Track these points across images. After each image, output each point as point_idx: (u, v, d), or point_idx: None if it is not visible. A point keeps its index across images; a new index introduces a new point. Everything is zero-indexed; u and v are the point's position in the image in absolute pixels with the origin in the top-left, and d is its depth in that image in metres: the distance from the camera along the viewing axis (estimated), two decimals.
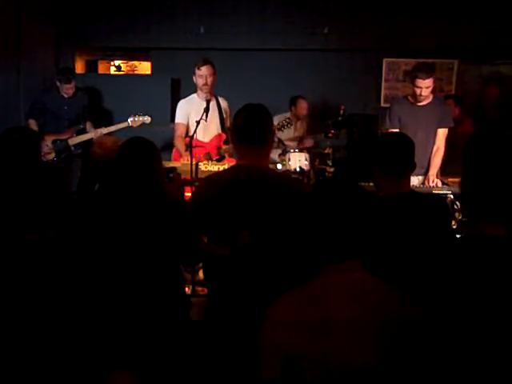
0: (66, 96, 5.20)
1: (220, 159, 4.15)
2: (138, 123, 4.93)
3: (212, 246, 2.25)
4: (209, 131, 4.33)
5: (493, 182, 1.69)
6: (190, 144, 3.54)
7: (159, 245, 2.28)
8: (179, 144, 4.29)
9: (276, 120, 4.19)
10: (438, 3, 6.07)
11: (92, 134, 5.02)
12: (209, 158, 4.13)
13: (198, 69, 4.22)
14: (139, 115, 4.93)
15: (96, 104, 5.73)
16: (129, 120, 4.93)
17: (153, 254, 2.26)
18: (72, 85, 5.14)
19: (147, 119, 4.95)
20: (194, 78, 4.29)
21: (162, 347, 2.15)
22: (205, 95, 4.19)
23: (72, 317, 1.78)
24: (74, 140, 5.07)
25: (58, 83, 5.16)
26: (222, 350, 2.16)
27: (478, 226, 1.70)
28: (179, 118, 4.38)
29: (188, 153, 3.97)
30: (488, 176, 1.71)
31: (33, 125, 5.10)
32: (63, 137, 5.09)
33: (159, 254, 2.28)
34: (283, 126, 4.42)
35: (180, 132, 4.33)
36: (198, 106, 4.06)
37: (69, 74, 5.25)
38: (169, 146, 5.13)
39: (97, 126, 5.20)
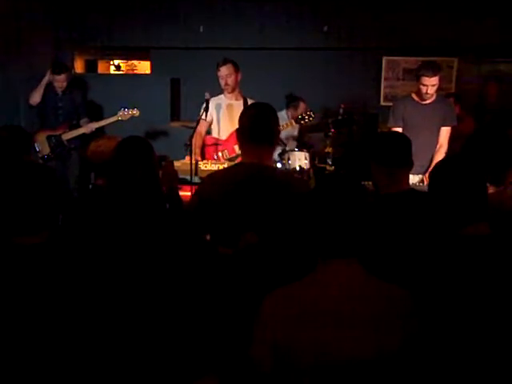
0: (59, 91, 5.21)
1: (236, 157, 4.11)
2: (127, 117, 5.03)
3: (214, 245, 2.25)
4: (230, 131, 4.26)
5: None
6: (190, 143, 3.54)
7: (158, 243, 2.27)
8: (196, 141, 4.12)
9: None
10: (438, 1, 6.06)
11: (84, 128, 5.11)
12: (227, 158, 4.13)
13: (218, 69, 4.19)
14: (128, 108, 5.00)
15: (96, 103, 5.73)
16: (118, 114, 5.02)
17: (153, 255, 2.26)
18: (63, 77, 5.15)
19: (136, 112, 5.04)
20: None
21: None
22: (229, 95, 4.20)
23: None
24: (67, 135, 5.13)
25: (51, 77, 5.17)
26: (222, 348, 2.16)
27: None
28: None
29: (199, 152, 3.95)
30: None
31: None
32: (57, 132, 5.12)
33: (159, 253, 2.28)
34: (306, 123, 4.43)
35: (200, 129, 4.16)
36: (221, 105, 4.01)
37: (60, 66, 5.29)
38: (168, 145, 5.13)
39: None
